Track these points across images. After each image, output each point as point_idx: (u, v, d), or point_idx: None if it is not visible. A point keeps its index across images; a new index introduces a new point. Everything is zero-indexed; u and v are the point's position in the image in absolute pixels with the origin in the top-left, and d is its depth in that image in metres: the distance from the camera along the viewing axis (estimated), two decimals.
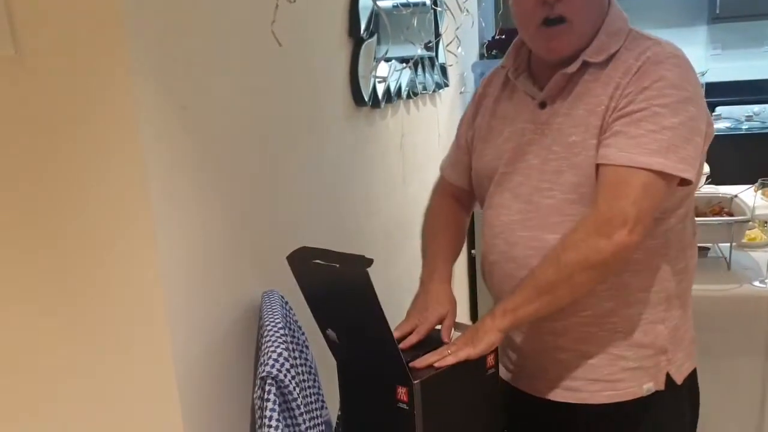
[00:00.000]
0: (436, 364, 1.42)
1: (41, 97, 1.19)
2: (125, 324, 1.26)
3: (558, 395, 1.61)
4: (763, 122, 4.83)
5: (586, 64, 1.52)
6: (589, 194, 1.46)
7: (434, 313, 1.59)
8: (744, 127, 4.71)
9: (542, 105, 1.57)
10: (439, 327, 1.59)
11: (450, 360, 1.42)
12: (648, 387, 1.58)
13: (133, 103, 1.17)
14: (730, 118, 5.11)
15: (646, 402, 1.59)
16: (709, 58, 6.96)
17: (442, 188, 1.88)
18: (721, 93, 6.38)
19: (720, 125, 4.83)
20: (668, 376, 1.60)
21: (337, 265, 1.37)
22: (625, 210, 1.39)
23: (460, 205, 1.84)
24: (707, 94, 5.56)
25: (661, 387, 1.60)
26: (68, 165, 1.21)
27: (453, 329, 1.59)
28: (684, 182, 1.45)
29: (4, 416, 1.32)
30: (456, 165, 1.82)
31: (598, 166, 1.45)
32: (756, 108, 5.85)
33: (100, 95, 1.17)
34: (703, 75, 6.55)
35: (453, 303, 1.64)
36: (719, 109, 5.71)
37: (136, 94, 1.17)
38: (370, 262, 1.30)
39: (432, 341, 1.55)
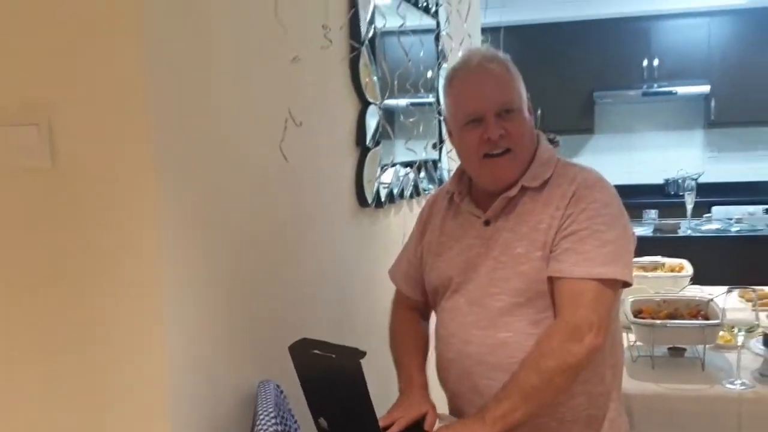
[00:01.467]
0: None
1: (72, 204, 1.41)
2: (127, 404, 1.43)
3: None
4: (753, 225, 5.01)
5: (524, 189, 1.76)
6: (533, 297, 1.69)
7: (416, 411, 1.76)
8: (733, 229, 4.89)
9: (486, 223, 1.80)
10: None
11: None
12: None
13: (155, 208, 1.39)
14: (720, 219, 5.30)
15: None
16: (705, 160, 7.22)
17: (400, 302, 2.06)
18: (716, 194, 6.60)
19: (711, 226, 5.02)
20: None
21: (333, 356, 1.54)
22: (588, 316, 1.62)
23: (419, 314, 2.03)
24: (704, 195, 5.80)
25: None
26: (92, 265, 1.41)
27: (437, 420, 1.75)
28: (625, 285, 1.70)
29: None
30: (409, 280, 2.01)
31: (552, 279, 1.68)
32: (750, 209, 6.04)
33: (128, 200, 1.39)
34: (700, 176, 6.80)
35: (433, 406, 1.81)
36: (714, 210, 5.91)
37: (159, 200, 1.39)
38: (363, 354, 1.47)
39: None
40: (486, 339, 1.74)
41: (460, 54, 3.68)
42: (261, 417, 1.57)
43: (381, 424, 1.68)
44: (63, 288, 1.43)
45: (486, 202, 1.81)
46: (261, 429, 1.54)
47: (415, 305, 2.03)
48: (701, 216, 5.49)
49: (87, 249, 1.42)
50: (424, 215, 2.01)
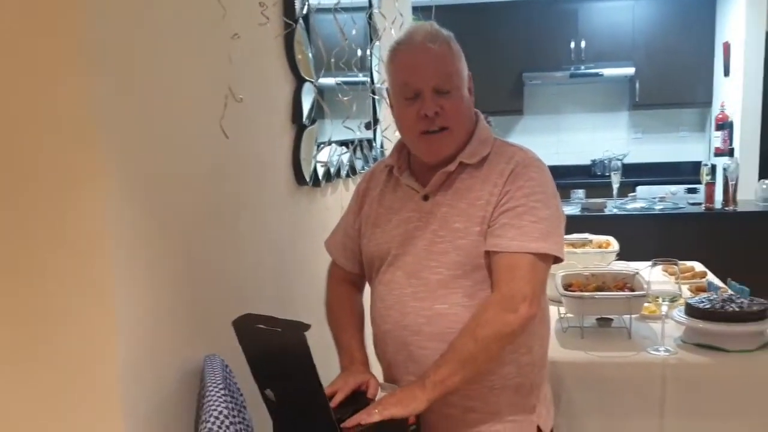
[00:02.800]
0: (362, 421, 1.62)
1: (10, 182, 1.39)
2: (78, 381, 1.43)
3: None
4: (675, 204, 5.18)
5: (462, 165, 1.81)
6: (470, 271, 1.76)
7: (357, 380, 1.81)
8: (657, 207, 5.06)
9: (425, 197, 1.85)
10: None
11: (376, 417, 1.62)
12: None
13: (97, 186, 1.39)
14: (645, 198, 5.47)
15: None
16: (630, 141, 7.43)
17: (335, 275, 2.09)
18: (641, 174, 6.81)
19: (635, 205, 5.18)
20: (538, 429, 1.87)
21: (278, 330, 1.56)
22: (523, 288, 1.69)
23: (355, 288, 2.07)
24: (629, 175, 5.96)
25: None
26: (35, 245, 1.41)
27: (379, 389, 1.80)
28: (557, 260, 1.78)
29: None
30: (346, 252, 2.04)
31: (489, 253, 1.74)
32: (673, 188, 6.25)
33: (69, 179, 1.38)
34: (625, 157, 6.99)
35: (375, 377, 1.86)
36: (638, 189, 6.09)
37: (101, 178, 1.39)
38: (307, 327, 1.51)
39: (360, 403, 1.74)
40: (423, 311, 1.79)
41: (393, 33, 3.73)
42: (210, 389, 1.59)
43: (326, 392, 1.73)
44: (4, 268, 1.42)
45: (425, 177, 1.86)
46: (210, 401, 1.56)
47: (351, 278, 2.06)
48: (626, 195, 5.65)
49: (30, 230, 1.40)
50: (361, 188, 2.04)
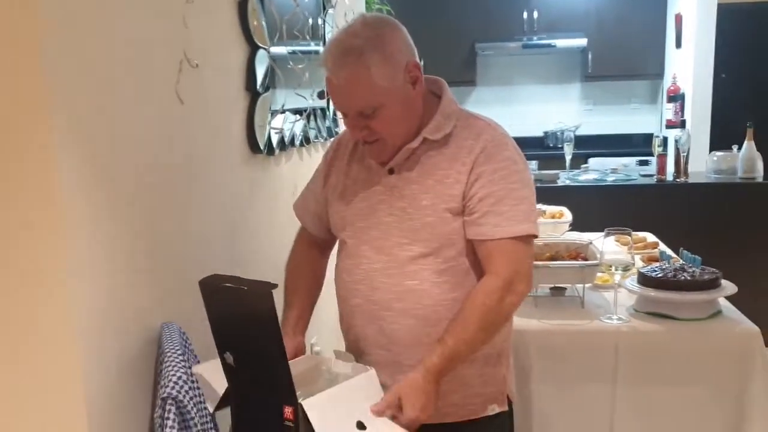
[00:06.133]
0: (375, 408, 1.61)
1: None
2: (37, 350, 1.41)
3: None
4: (628, 175, 5.23)
5: (426, 140, 1.79)
6: (438, 248, 1.76)
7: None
8: (609, 179, 5.10)
9: (390, 171, 1.82)
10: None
11: (381, 406, 1.62)
12: (492, 407, 1.88)
13: (50, 148, 1.35)
14: (597, 170, 5.51)
15: (492, 419, 1.88)
16: (582, 112, 7.47)
17: (303, 237, 2.08)
18: (593, 146, 6.86)
19: (588, 176, 5.22)
20: (507, 398, 1.91)
21: (245, 288, 1.55)
22: (519, 270, 1.74)
23: (320, 252, 2.06)
24: (581, 147, 5.94)
25: (505, 408, 1.90)
26: None
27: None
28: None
29: None
30: (314, 217, 2.02)
31: (475, 242, 1.76)
32: (625, 160, 6.31)
33: (23, 142, 1.34)
34: (577, 129, 7.04)
35: (303, 347, 1.89)
36: (591, 161, 6.13)
37: (53, 141, 1.35)
38: (274, 286, 1.49)
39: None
40: (394, 287, 1.78)
41: (346, 1, 3.69)
42: (168, 355, 1.59)
43: None
44: None
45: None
46: (169, 366, 1.56)
47: (318, 242, 2.05)
48: (579, 167, 5.69)
49: None
50: (329, 156, 2.00)
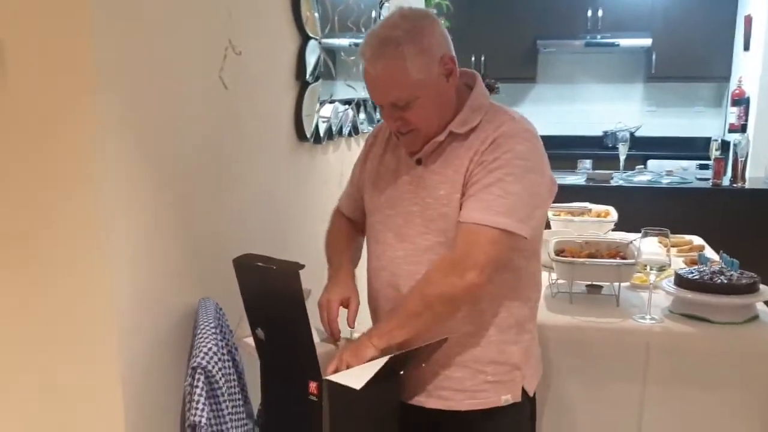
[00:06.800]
0: (325, 375, 1.67)
1: (17, 128, 1.45)
2: (78, 319, 1.51)
3: (431, 403, 1.89)
4: (683, 178, 5.18)
5: (452, 133, 1.82)
6: (453, 237, 1.77)
7: (340, 295, 1.89)
8: (663, 181, 5.05)
9: (419, 161, 1.87)
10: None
11: (331, 368, 1.68)
12: (506, 398, 1.89)
13: (97, 132, 1.44)
14: (653, 172, 5.46)
15: (504, 410, 1.89)
16: (644, 113, 7.38)
17: (338, 215, 2.15)
18: (653, 148, 6.79)
19: (642, 178, 5.18)
20: (523, 389, 1.91)
21: (274, 267, 1.64)
22: (476, 257, 1.71)
23: (354, 230, 2.11)
24: (640, 148, 5.90)
25: (518, 399, 1.90)
26: (35, 187, 1.47)
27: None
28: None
29: None
30: (350, 201, 2.10)
31: (457, 223, 1.76)
32: (684, 163, 6.23)
33: (70, 124, 1.43)
34: (637, 129, 6.96)
35: (356, 291, 1.94)
36: (649, 163, 6.07)
37: (101, 125, 1.44)
38: (302, 266, 1.58)
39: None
40: (414, 274, 1.82)
41: None
42: (202, 327, 1.68)
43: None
44: (7, 212, 1.49)
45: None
46: (202, 338, 1.65)
47: (351, 221, 2.12)
48: (634, 168, 5.64)
49: (32, 171, 1.46)
50: (369, 142, 2.07)
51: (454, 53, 1.80)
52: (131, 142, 1.55)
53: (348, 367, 1.68)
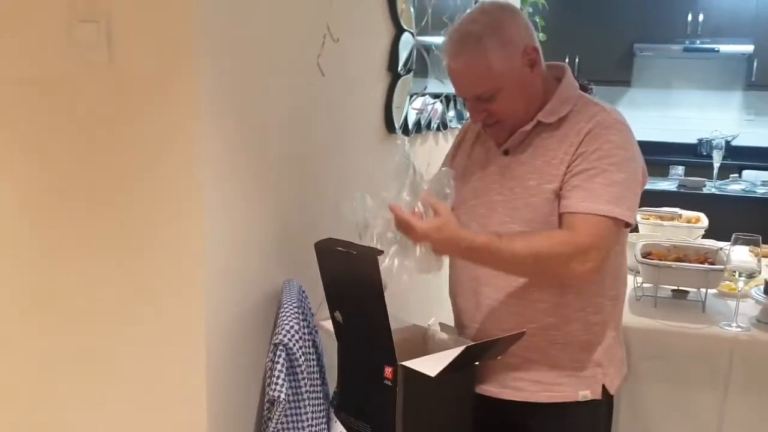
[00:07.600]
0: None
1: (123, 97, 1.52)
2: (170, 293, 1.59)
3: (505, 394, 1.89)
4: None
5: (540, 123, 1.82)
6: (537, 227, 1.77)
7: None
8: (758, 191, 4.91)
9: (506, 152, 1.88)
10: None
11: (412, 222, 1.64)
12: (584, 394, 1.87)
13: (201, 117, 1.50)
14: (747, 181, 5.30)
15: (580, 406, 1.87)
16: (742, 122, 7.16)
17: None
18: (750, 157, 6.58)
19: (736, 186, 5.04)
20: (603, 387, 1.89)
21: (354, 252, 1.67)
22: (598, 247, 1.71)
23: None
24: (737, 158, 5.73)
25: (598, 396, 1.88)
26: (138, 159, 1.54)
27: (440, 329, 1.90)
28: (627, 225, 1.78)
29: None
30: None
31: (562, 214, 1.75)
32: None
33: (174, 103, 1.50)
34: (734, 138, 6.76)
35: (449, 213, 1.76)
36: (745, 173, 5.89)
37: (201, 111, 1.50)
38: (381, 252, 1.62)
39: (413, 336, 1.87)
40: None
41: None
42: (285, 306, 1.74)
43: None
44: (110, 174, 1.56)
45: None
46: (284, 316, 1.71)
47: None
48: (728, 177, 5.50)
49: (136, 155, 1.54)
50: (458, 137, 2.10)
51: (538, 44, 1.81)
52: (233, 127, 1.61)
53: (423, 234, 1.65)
